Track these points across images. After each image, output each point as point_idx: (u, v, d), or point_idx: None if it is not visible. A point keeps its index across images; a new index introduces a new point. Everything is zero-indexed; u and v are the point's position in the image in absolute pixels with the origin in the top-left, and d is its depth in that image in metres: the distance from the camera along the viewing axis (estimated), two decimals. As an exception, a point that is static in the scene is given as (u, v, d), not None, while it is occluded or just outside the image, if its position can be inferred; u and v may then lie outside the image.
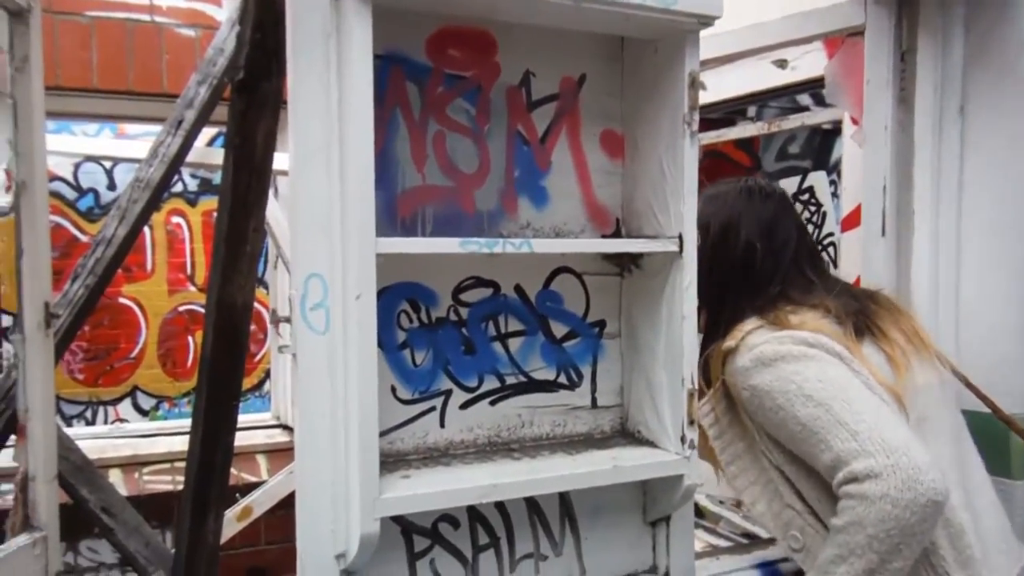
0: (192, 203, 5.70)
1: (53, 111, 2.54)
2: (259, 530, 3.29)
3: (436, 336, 1.38)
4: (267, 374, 4.93)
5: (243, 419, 3.48)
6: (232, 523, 2.99)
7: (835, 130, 3.32)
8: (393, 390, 1.35)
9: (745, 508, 2.39)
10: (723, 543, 2.29)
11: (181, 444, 3.42)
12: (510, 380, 1.44)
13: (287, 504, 3.02)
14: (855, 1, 1.90)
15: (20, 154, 1.65)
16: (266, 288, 4.33)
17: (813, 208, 3.68)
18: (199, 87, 2.43)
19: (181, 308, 5.70)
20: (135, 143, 3.80)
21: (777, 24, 2.05)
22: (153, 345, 5.66)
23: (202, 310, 4.99)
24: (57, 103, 3.14)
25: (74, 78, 3.22)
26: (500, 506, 1.41)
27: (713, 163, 4.09)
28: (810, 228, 3.52)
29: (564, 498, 1.46)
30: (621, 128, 1.51)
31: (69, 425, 5.17)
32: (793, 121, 3.20)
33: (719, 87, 2.74)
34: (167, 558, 2.19)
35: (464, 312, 1.40)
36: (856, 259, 2.05)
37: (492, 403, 1.43)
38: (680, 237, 1.36)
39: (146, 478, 3.38)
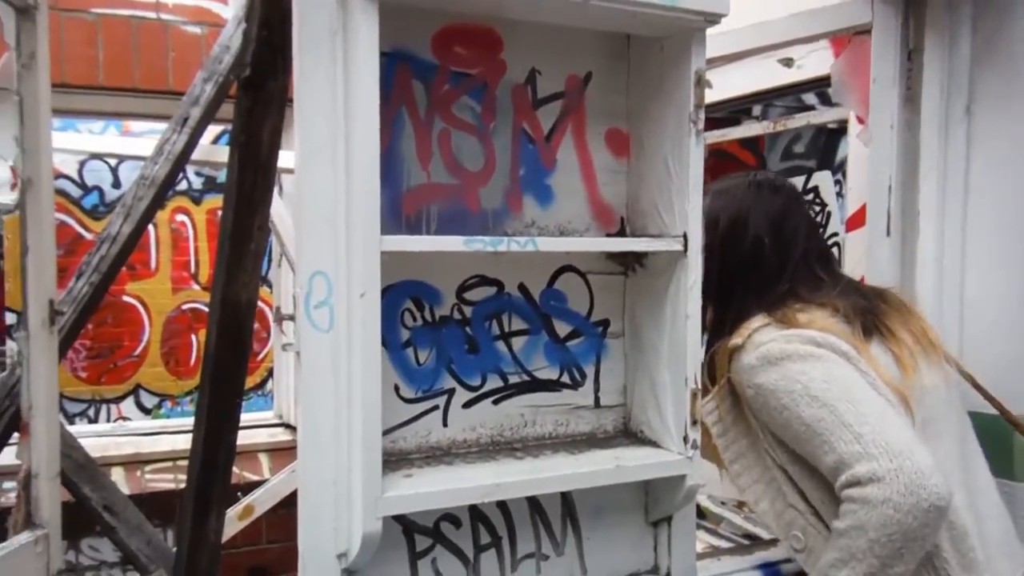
0: (197, 201, 5.71)
1: (59, 108, 2.54)
2: (261, 529, 3.29)
3: (440, 335, 1.38)
4: (270, 373, 4.93)
5: (246, 418, 3.48)
6: (234, 522, 2.98)
7: (840, 129, 3.31)
8: (396, 389, 1.34)
9: (747, 508, 2.39)
10: (724, 544, 2.28)
11: (183, 442, 3.43)
12: (513, 379, 1.44)
13: (289, 503, 3.02)
14: None
15: (26, 151, 1.65)
16: (270, 286, 4.33)
17: (817, 208, 3.68)
18: (205, 85, 2.44)
19: (185, 306, 5.71)
20: (140, 140, 3.79)
21: (783, 22, 2.05)
22: (156, 343, 5.67)
23: (206, 308, 5.01)
24: (63, 100, 3.13)
25: (80, 75, 3.22)
26: (502, 505, 1.41)
27: (718, 162, 4.09)
28: (815, 229, 3.50)
29: (566, 498, 1.46)
30: (626, 126, 1.50)
31: (72, 423, 5.17)
32: (798, 120, 3.19)
33: (724, 86, 2.74)
34: (169, 557, 2.19)
35: (468, 311, 1.40)
36: (860, 259, 2.05)
37: (495, 402, 1.43)
38: (685, 236, 1.36)
39: (148, 476, 3.38)
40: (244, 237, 1.60)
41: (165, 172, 2.39)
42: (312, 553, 1.20)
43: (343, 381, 1.20)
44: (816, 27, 2.02)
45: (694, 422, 1.37)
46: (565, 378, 1.48)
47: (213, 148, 3.29)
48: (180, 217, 5.68)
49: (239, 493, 3.13)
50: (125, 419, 5.40)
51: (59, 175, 5.16)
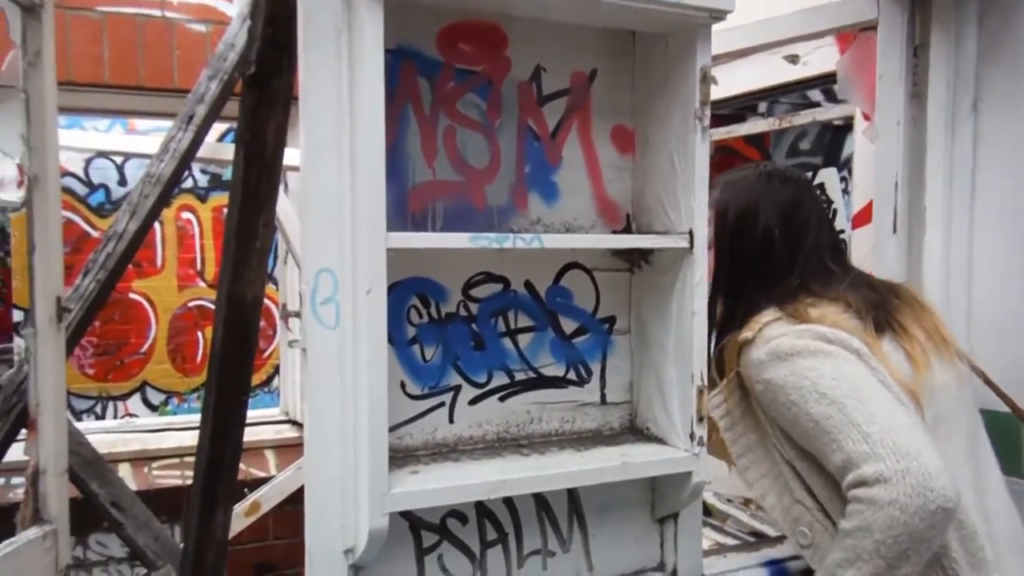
0: (202, 199, 5.71)
1: (65, 106, 2.55)
2: (267, 525, 3.29)
3: (446, 331, 1.38)
4: (276, 370, 4.94)
5: (252, 414, 3.51)
6: (240, 518, 2.99)
7: (846, 126, 3.31)
8: (402, 385, 1.35)
9: (753, 505, 2.39)
10: (731, 541, 2.28)
11: (190, 439, 3.44)
12: (519, 376, 1.44)
13: (295, 499, 3.03)
14: (868, -4, 1.89)
15: (32, 149, 1.66)
16: (275, 284, 4.34)
17: (824, 205, 3.66)
18: (210, 82, 2.44)
19: (191, 303, 5.72)
20: (146, 138, 3.80)
21: (789, 19, 2.04)
22: (163, 340, 5.68)
23: (212, 306, 5.01)
24: (68, 98, 3.14)
25: (85, 73, 3.23)
26: (508, 502, 1.41)
27: (723, 159, 4.07)
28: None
29: (572, 494, 1.46)
30: (632, 123, 1.50)
31: (79, 420, 5.18)
32: (804, 117, 3.18)
33: (730, 82, 2.73)
34: (176, 552, 2.20)
35: (474, 308, 1.40)
36: (867, 256, 2.04)
37: (501, 399, 1.43)
38: (691, 233, 1.36)
39: (155, 473, 3.39)
40: (250, 235, 1.60)
41: (171, 170, 2.39)
42: (319, 549, 1.21)
43: (349, 378, 1.20)
44: (822, 23, 2.01)
45: (700, 419, 1.37)
46: (571, 375, 1.48)
47: (218, 146, 3.30)
48: (186, 215, 5.69)
49: (246, 489, 3.14)
50: (132, 416, 5.42)
51: (65, 173, 5.17)
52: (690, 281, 1.36)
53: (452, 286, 1.38)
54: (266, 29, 1.46)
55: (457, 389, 1.39)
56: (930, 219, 1.85)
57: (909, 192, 1.87)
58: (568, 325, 1.47)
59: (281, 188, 2.79)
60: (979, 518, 1.30)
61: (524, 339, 1.44)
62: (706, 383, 1.39)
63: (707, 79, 1.34)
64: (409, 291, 1.35)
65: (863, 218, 2.27)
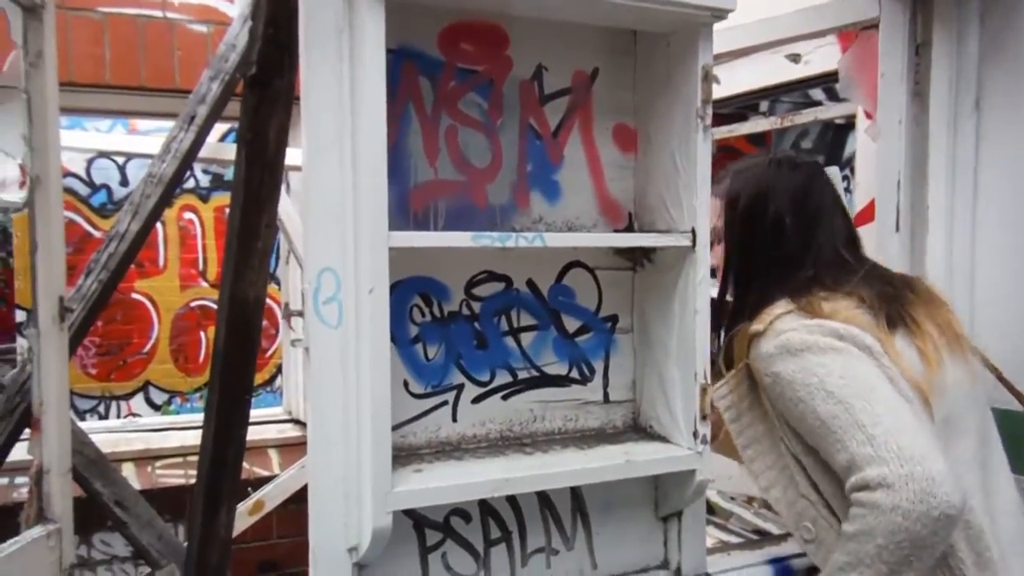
0: (204, 199, 5.72)
1: (66, 107, 2.55)
2: (271, 524, 3.30)
3: (448, 330, 1.38)
4: (279, 369, 4.95)
5: (255, 414, 3.50)
6: (244, 517, 3.00)
7: (848, 125, 3.30)
8: (405, 384, 1.35)
9: (756, 503, 2.39)
10: (734, 539, 2.28)
11: (194, 438, 3.45)
12: (522, 375, 1.44)
13: (299, 498, 3.04)
14: (869, -6, 1.89)
15: (34, 149, 1.66)
16: (278, 284, 4.34)
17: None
18: (211, 83, 2.44)
19: (193, 303, 5.73)
20: (147, 139, 3.81)
21: (790, 18, 2.04)
22: (165, 340, 5.69)
23: (214, 305, 5.01)
24: (70, 99, 3.14)
25: (87, 74, 3.23)
26: (512, 500, 1.41)
27: (725, 158, 4.07)
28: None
29: (576, 493, 1.46)
30: (633, 122, 1.50)
31: (82, 419, 5.19)
32: (806, 116, 3.17)
33: (731, 81, 2.73)
34: (180, 551, 2.20)
35: (476, 306, 1.40)
36: (870, 254, 2.04)
37: (504, 398, 1.43)
38: (693, 231, 1.36)
39: (159, 472, 3.39)
40: (251, 235, 1.61)
41: (172, 170, 2.40)
42: (323, 548, 1.21)
43: (352, 377, 1.20)
44: (823, 22, 2.01)
45: (703, 417, 1.37)
46: (574, 373, 1.48)
47: (220, 146, 3.30)
48: (188, 215, 5.69)
49: (249, 488, 3.15)
50: (135, 415, 5.43)
51: (67, 173, 5.18)
52: (692, 280, 1.36)
53: (454, 285, 1.38)
54: (267, 29, 1.46)
55: (460, 388, 1.39)
56: (932, 217, 1.85)
57: (911, 190, 1.87)
58: (571, 324, 1.47)
59: (283, 188, 2.79)
60: (986, 519, 1.29)
61: (527, 338, 1.44)
62: (709, 381, 1.38)
63: (709, 78, 1.34)
64: (411, 290, 1.35)
65: (866, 216, 2.26)
